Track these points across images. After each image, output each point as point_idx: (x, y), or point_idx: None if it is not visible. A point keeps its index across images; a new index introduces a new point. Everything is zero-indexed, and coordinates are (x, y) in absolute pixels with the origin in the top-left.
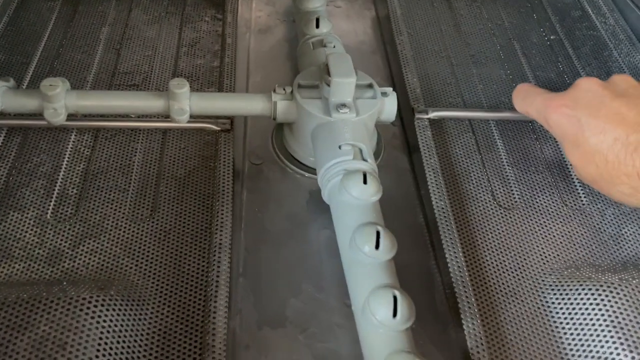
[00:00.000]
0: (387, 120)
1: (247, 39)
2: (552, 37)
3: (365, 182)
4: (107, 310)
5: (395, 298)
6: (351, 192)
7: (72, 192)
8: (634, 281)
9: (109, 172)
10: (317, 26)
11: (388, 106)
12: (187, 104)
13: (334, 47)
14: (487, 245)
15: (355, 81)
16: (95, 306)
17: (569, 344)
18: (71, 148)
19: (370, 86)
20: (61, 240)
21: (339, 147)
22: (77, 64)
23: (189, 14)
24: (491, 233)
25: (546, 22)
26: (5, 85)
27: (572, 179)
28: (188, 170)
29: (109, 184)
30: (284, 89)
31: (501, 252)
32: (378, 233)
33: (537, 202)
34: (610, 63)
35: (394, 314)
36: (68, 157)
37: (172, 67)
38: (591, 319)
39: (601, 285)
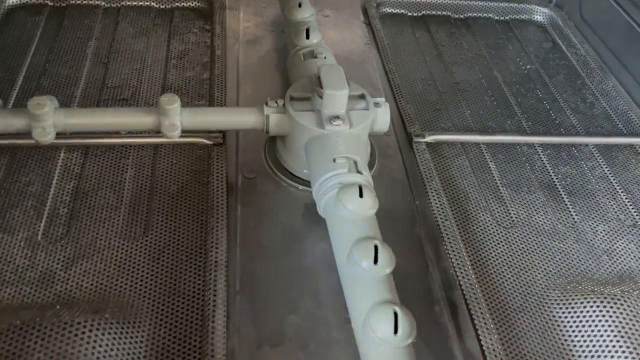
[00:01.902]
0: (381, 131)
1: (235, 50)
2: (528, 67)
3: (361, 195)
4: (103, 334)
5: (395, 314)
6: (347, 206)
7: (62, 211)
8: (635, 293)
9: (100, 190)
10: (308, 37)
11: (381, 117)
12: (178, 119)
13: (325, 57)
14: (492, 263)
15: (347, 93)
16: (91, 330)
17: (580, 357)
18: (61, 166)
19: (362, 97)
20: (53, 262)
21: (334, 160)
22: (64, 79)
23: (176, 26)
24: (494, 251)
25: (521, 52)
26: None
27: (563, 198)
28: (181, 185)
29: (101, 202)
30: (276, 102)
31: (505, 269)
32: (376, 247)
33: (533, 221)
34: (584, 90)
35: (395, 331)
36: (58, 176)
37: (161, 80)
38: (599, 331)
39: (605, 298)
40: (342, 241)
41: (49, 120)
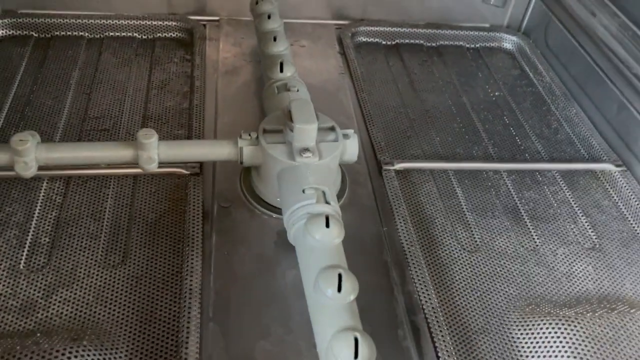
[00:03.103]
0: (350, 161)
1: (215, 80)
2: (496, 94)
3: (327, 225)
4: None
5: (356, 340)
6: (314, 236)
7: (44, 240)
8: (588, 314)
9: (80, 219)
10: (281, 70)
11: (350, 148)
12: (155, 153)
13: (298, 90)
14: (455, 287)
15: (316, 127)
16: (69, 358)
17: None
18: (43, 196)
19: (332, 129)
20: (34, 290)
21: (303, 191)
22: (47, 110)
23: (158, 56)
24: (458, 275)
25: (490, 79)
26: None
27: (526, 222)
28: (159, 214)
29: (81, 231)
30: (250, 135)
31: (469, 292)
32: (340, 276)
33: (496, 245)
34: (549, 116)
35: (356, 356)
36: (40, 206)
37: (142, 110)
38: (554, 351)
39: (560, 320)
40: (309, 269)
41: (31, 155)
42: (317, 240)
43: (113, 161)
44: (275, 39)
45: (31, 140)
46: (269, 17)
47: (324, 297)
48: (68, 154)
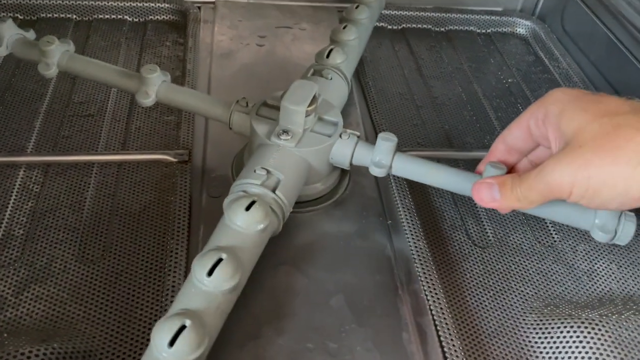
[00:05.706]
0: (340, 164)
1: (208, 64)
2: (510, 80)
3: (247, 209)
4: None
5: (182, 328)
6: (229, 214)
7: (18, 232)
8: (614, 317)
9: (58, 210)
10: (328, 56)
11: (341, 149)
12: (153, 90)
13: (330, 79)
14: (466, 285)
15: (304, 110)
16: None
17: None
18: (19, 185)
19: (334, 124)
20: (4, 286)
21: (254, 170)
22: (29, 94)
23: (149, 39)
24: (469, 273)
25: (503, 66)
26: (22, 34)
27: None
28: (143, 205)
29: (58, 222)
30: (247, 103)
31: (481, 292)
32: (219, 261)
33: (510, 241)
34: None
35: (171, 344)
36: (15, 195)
37: (129, 95)
38: (575, 357)
39: (582, 322)
40: (208, 244)
41: (54, 58)
42: (231, 220)
43: (116, 85)
44: (345, 27)
45: (56, 44)
46: (356, 7)
47: (194, 277)
48: (83, 66)
